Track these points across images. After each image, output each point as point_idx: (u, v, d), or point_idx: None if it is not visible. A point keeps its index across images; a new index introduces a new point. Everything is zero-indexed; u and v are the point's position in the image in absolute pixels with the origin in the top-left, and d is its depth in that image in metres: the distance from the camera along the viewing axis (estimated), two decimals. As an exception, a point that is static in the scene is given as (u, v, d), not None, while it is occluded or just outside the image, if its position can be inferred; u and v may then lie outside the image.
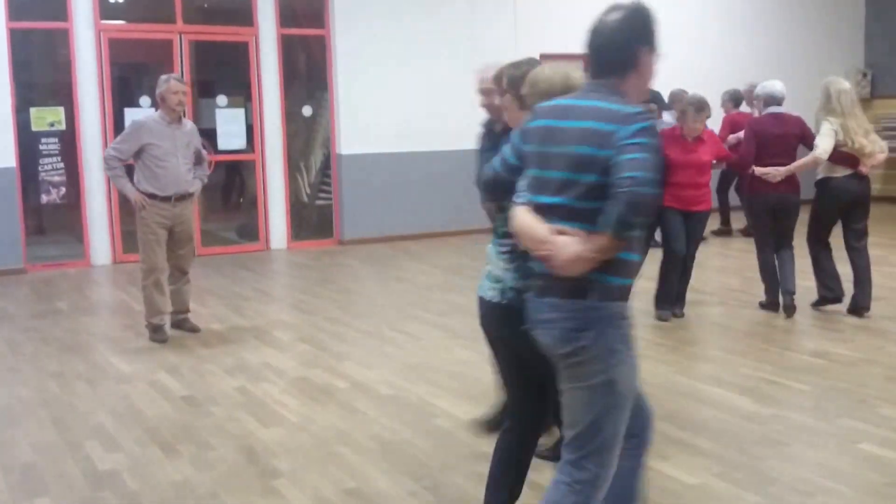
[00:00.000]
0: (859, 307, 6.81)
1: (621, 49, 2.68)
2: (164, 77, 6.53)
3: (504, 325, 3.09)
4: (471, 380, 5.41)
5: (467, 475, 4.07)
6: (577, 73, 3.13)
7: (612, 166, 2.51)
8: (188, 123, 6.69)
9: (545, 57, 12.22)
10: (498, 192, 3.08)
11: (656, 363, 5.75)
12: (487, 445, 4.34)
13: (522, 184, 2.89)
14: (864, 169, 6.69)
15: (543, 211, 2.70)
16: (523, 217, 2.75)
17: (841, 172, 6.66)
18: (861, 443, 4.36)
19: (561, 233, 2.60)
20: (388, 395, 5.26)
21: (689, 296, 7.20)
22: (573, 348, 2.66)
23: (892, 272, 8.56)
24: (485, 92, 4.36)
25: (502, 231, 3.12)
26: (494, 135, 4.32)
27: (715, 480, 3.96)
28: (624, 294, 2.70)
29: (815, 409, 4.83)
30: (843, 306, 6.93)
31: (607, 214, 2.51)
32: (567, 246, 2.57)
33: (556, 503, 2.76)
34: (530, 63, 3.61)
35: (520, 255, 3.00)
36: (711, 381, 5.37)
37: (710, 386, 5.29)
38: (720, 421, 4.69)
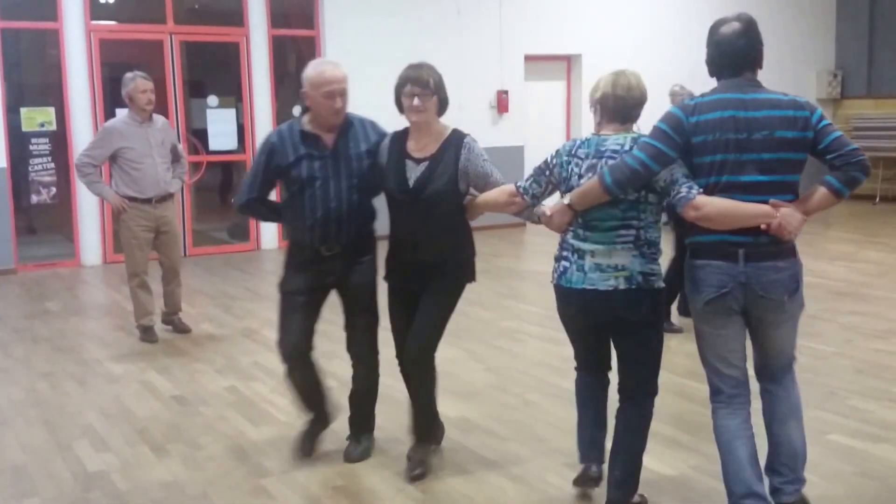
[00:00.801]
0: None
1: (755, 50, 3.38)
2: (129, 75, 6.36)
3: (633, 307, 3.45)
4: (456, 377, 5.49)
5: (455, 472, 4.15)
6: None
7: (820, 144, 3.26)
8: (160, 120, 6.58)
9: (530, 59, 12.39)
10: (634, 187, 3.35)
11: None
12: (474, 443, 4.46)
13: (680, 172, 3.32)
14: None
15: (747, 188, 3.25)
16: (725, 202, 3.25)
17: None
18: (831, 434, 4.49)
19: (776, 205, 3.25)
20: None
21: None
22: (796, 295, 3.42)
23: (861, 268, 8.70)
24: (340, 93, 4.00)
25: (611, 224, 3.41)
26: (309, 137, 4.02)
27: (692, 472, 4.08)
28: None
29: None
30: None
31: (839, 180, 3.26)
32: (794, 214, 3.25)
33: (798, 407, 3.59)
34: (429, 65, 3.98)
35: (645, 242, 3.42)
36: (689, 376, 5.47)
37: (687, 380, 5.39)
38: (697, 414, 4.79)
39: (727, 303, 3.34)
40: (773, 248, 3.28)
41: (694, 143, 3.30)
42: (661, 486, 3.94)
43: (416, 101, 3.88)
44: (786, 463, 3.51)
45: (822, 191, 3.28)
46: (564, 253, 3.52)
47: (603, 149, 3.41)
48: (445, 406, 5.03)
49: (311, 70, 4.00)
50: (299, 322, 4.14)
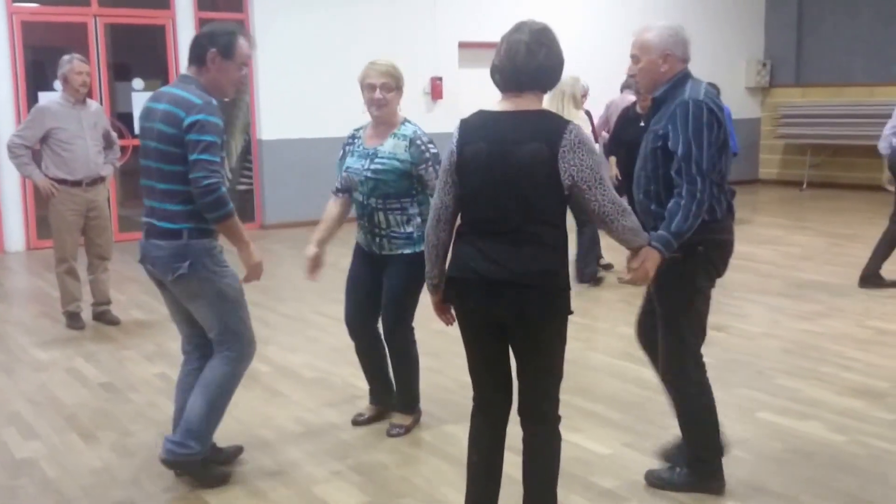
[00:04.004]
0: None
1: None
2: (66, 57, 6.33)
3: None
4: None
5: (391, 455, 4.16)
6: None
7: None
8: (93, 104, 6.53)
9: (464, 45, 12.40)
10: None
11: (569, 340, 5.92)
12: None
13: None
14: None
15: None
16: None
17: None
18: (760, 412, 4.60)
19: None
20: (312, 378, 5.32)
21: (600, 273, 7.74)
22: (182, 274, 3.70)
23: (788, 251, 8.95)
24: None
25: None
26: None
27: (625, 450, 4.14)
28: None
29: (717, 381, 4.93)
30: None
31: None
32: None
33: (207, 384, 3.77)
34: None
35: None
36: (622, 356, 5.56)
37: (620, 360, 5.49)
38: (630, 393, 4.89)
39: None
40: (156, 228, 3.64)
41: None
42: (596, 464, 3.99)
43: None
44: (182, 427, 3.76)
45: None
46: None
47: None
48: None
49: None
50: None
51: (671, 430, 4.34)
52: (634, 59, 3.53)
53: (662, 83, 3.47)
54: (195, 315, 3.75)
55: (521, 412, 3.12)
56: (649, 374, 5.19)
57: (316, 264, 4.39)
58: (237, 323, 3.77)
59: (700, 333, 3.64)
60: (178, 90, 3.58)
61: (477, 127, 3.05)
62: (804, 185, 14.41)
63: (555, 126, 2.93)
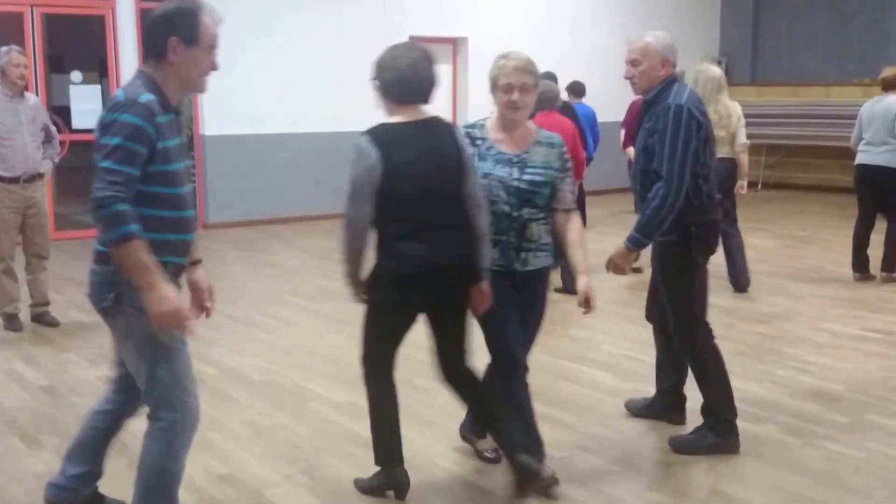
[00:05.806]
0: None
1: None
2: (4, 49, 6.14)
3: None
4: (344, 363, 5.42)
5: (342, 457, 4.12)
6: None
7: None
8: (31, 97, 6.34)
9: (414, 39, 12.30)
10: None
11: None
12: (362, 428, 4.39)
13: None
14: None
15: None
16: None
17: None
18: (714, 414, 4.63)
19: None
20: (261, 381, 5.22)
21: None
22: (110, 309, 3.20)
23: (747, 255, 9.04)
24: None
25: None
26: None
27: (580, 453, 4.14)
28: None
29: (672, 384, 5.08)
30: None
31: None
32: None
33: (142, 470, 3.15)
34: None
35: None
36: (575, 360, 5.57)
37: (573, 364, 5.49)
38: (584, 397, 4.89)
39: None
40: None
41: None
42: (552, 468, 3.97)
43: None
44: None
45: None
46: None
47: None
48: (332, 392, 4.98)
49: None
50: None
51: (625, 433, 4.38)
52: (635, 62, 3.92)
53: (655, 86, 3.90)
54: (125, 360, 3.14)
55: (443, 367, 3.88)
56: (602, 377, 5.24)
57: None
58: (167, 379, 3.01)
59: (704, 305, 4.14)
60: (122, 87, 2.97)
61: (395, 138, 3.37)
62: (759, 186, 14.38)
63: (455, 130, 3.51)
